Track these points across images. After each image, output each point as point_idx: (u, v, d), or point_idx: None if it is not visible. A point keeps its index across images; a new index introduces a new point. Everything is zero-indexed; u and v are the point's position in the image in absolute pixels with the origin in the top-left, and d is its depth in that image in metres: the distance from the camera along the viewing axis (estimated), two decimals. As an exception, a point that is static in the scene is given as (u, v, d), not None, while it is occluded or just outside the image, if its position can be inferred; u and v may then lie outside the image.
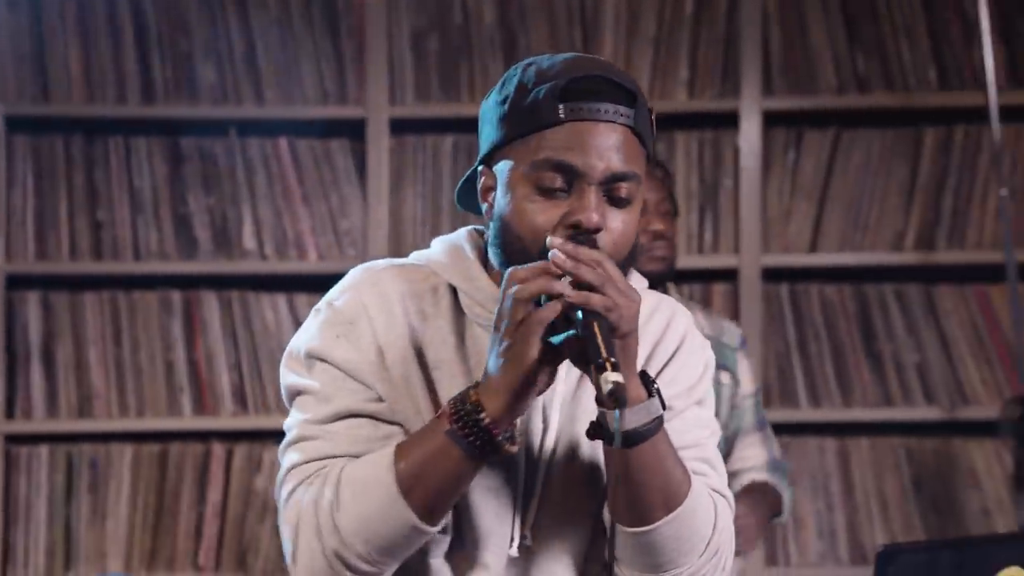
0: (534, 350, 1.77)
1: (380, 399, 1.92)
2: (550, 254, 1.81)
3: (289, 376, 1.95)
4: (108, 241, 4.10)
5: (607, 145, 1.87)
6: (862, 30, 4.09)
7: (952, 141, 4.10)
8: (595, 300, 1.78)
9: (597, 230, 1.85)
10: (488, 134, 1.95)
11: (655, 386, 1.85)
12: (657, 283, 2.18)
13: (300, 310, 4.09)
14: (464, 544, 1.93)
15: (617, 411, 1.76)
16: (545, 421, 1.94)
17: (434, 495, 1.83)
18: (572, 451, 1.95)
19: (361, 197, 4.12)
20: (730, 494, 1.99)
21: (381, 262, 2.03)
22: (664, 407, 1.84)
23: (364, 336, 1.92)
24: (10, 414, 4.08)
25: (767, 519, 3.31)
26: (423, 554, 1.92)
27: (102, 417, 4.09)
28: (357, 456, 1.88)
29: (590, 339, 1.76)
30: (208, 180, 4.12)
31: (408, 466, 1.83)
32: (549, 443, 1.94)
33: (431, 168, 4.11)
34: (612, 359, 1.73)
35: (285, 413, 2.00)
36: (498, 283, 1.90)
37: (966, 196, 4.09)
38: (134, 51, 4.10)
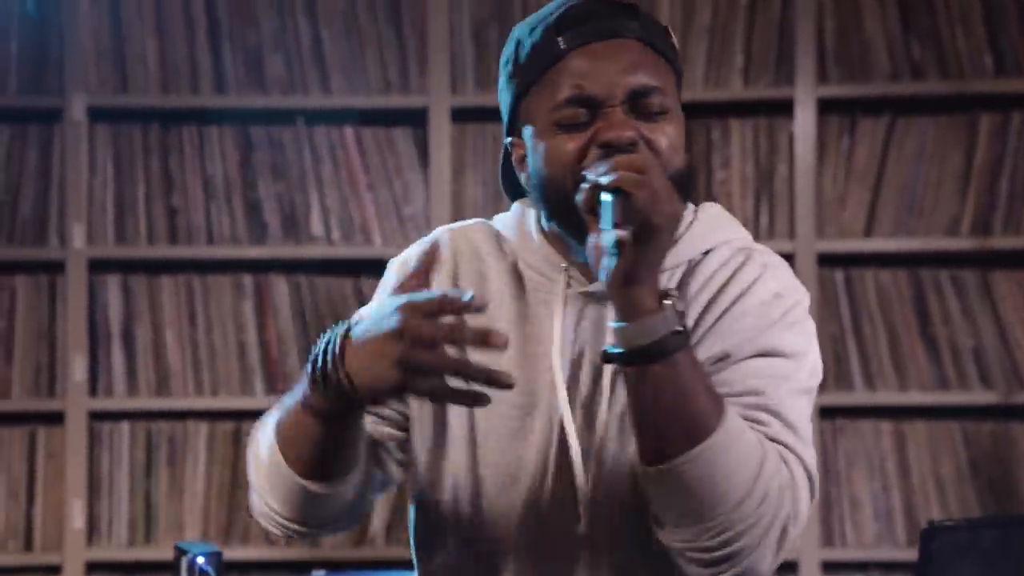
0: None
1: None
2: (586, 176, 1.67)
3: None
4: (183, 226, 4.20)
5: (620, 63, 1.75)
6: (916, 17, 4.09)
7: (1008, 127, 4.08)
8: (625, 179, 1.62)
9: (632, 144, 1.71)
10: (504, 103, 1.85)
11: (672, 300, 1.65)
12: None
13: (366, 293, 4.12)
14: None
15: (607, 284, 1.64)
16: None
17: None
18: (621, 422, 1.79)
19: (423, 183, 4.19)
20: (807, 455, 1.71)
21: (454, 225, 1.95)
22: (684, 327, 1.64)
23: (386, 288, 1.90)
24: (93, 392, 4.18)
25: None
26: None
27: (179, 395, 4.18)
28: None
29: (605, 211, 1.62)
30: (277, 168, 4.20)
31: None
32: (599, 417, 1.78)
33: (491, 155, 4.17)
34: (624, 229, 1.60)
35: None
36: (554, 246, 1.82)
37: (1023, 182, 4.07)
38: (207, 44, 4.19)
